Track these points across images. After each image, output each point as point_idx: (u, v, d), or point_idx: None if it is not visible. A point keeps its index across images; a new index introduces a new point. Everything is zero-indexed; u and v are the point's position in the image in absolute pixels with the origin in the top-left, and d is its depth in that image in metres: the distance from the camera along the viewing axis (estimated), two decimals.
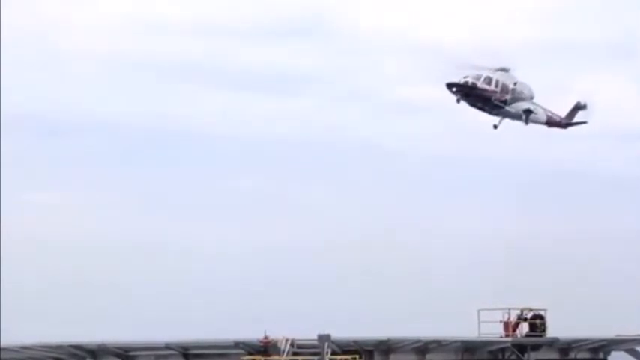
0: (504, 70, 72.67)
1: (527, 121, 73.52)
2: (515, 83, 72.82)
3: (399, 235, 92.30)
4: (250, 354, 52.57)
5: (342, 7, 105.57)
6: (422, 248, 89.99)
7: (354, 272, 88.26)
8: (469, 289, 78.70)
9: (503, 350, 58.38)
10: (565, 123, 76.21)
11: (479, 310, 59.28)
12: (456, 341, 56.88)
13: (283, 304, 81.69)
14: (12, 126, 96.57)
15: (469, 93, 71.27)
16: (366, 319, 75.07)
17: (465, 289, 79.85)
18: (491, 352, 58.34)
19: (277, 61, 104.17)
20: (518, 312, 60.37)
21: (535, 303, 60.91)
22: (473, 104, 71.79)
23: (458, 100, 71.29)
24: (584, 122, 76.28)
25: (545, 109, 75.15)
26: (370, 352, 54.31)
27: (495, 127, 73.16)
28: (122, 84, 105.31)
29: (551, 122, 75.57)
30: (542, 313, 60.61)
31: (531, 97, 73.99)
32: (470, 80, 71.26)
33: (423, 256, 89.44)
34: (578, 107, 76.14)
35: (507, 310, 59.91)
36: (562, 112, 76.30)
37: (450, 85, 70.96)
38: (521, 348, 58.31)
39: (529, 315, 60.64)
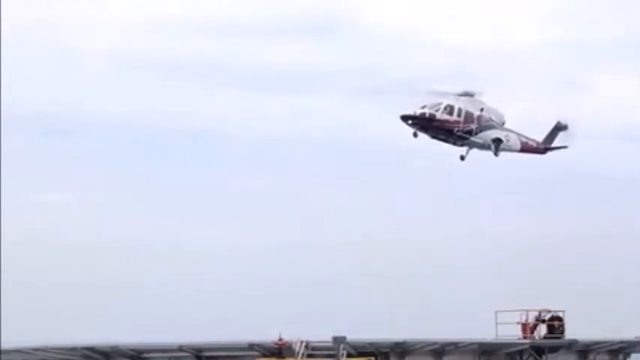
0: (469, 95, 65.98)
1: (497, 152, 67.00)
2: (481, 110, 66.27)
3: (415, 236, 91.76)
4: (265, 356, 52.36)
5: (357, 5, 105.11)
6: (439, 249, 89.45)
7: (370, 273, 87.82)
8: (486, 290, 78.11)
9: (521, 353, 57.93)
10: (544, 148, 69.50)
11: (496, 312, 58.96)
12: (472, 343, 56.58)
13: (298, 305, 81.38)
14: (19, 126, 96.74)
15: (427, 126, 64.68)
16: (382, 321, 74.57)
17: (483, 290, 79.30)
18: (508, 354, 57.97)
19: (290, 60, 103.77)
20: (537, 313, 59.98)
21: (553, 304, 60.48)
22: (434, 137, 65.44)
23: (415, 134, 64.53)
24: (565, 147, 69.49)
25: (519, 135, 68.55)
26: (386, 355, 54.13)
27: (462, 158, 66.86)
28: (132, 83, 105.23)
29: (526, 149, 68.96)
30: (560, 314, 60.20)
31: (502, 124, 67.49)
32: (427, 111, 64.51)
33: (439, 257, 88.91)
34: (559, 128, 69.29)
35: (525, 312, 59.54)
36: (541, 132, 69.53)
37: (404, 118, 64.10)
38: (539, 350, 57.93)
39: (547, 317, 60.23)
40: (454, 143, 66.06)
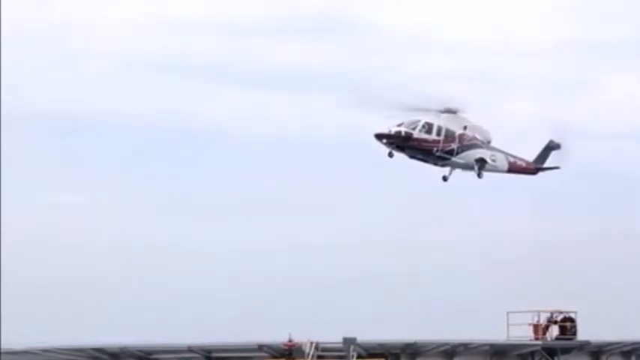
0: (451, 112, 61.41)
1: (480, 173, 62.43)
2: (464, 127, 61.70)
3: (426, 236, 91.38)
4: (274, 357, 52.24)
5: (360, 4, 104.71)
6: (450, 249, 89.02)
7: (381, 274, 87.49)
8: (498, 291, 77.75)
9: (532, 354, 57.70)
10: (535, 168, 65.12)
11: (508, 313, 58.70)
12: (484, 345, 56.36)
13: (308, 306, 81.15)
14: (25, 126, 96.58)
15: (403, 145, 60.03)
16: (393, 322, 74.27)
17: (494, 291, 78.91)
18: (520, 355, 57.74)
19: (294, 60, 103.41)
20: (548, 315, 59.73)
21: (565, 305, 60.17)
22: (412, 157, 61.03)
23: (390, 154, 59.98)
24: (557, 167, 65.33)
25: (506, 155, 64.04)
26: (396, 356, 53.98)
27: (445, 179, 62.51)
28: (137, 83, 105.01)
29: (515, 169, 64.53)
30: (572, 315, 59.97)
31: (488, 142, 63.03)
32: (403, 130, 59.85)
33: (451, 258, 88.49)
34: (551, 147, 65.16)
35: (537, 313, 59.34)
36: (532, 150, 65.05)
37: (378, 137, 59.57)
38: (551, 352, 57.72)
39: (559, 318, 59.97)
40: (434, 164, 61.81)
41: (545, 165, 65.29)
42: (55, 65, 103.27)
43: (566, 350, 58.25)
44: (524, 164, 64.92)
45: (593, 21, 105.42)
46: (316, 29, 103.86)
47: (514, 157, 64.52)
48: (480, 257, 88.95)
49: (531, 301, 60.10)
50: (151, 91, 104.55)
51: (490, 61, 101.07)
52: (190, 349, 54.15)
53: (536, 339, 58.67)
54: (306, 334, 51.70)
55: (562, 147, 65.06)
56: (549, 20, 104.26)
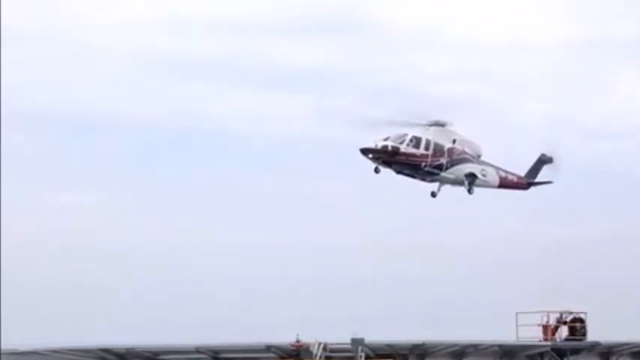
0: (440, 125, 59.40)
1: (470, 189, 60.46)
2: (454, 141, 59.82)
3: (435, 237, 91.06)
4: (282, 358, 52.15)
5: (372, 3, 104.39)
6: (459, 250, 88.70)
7: (389, 274, 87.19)
8: (507, 291, 77.40)
9: (542, 355, 57.65)
10: (527, 182, 63.48)
11: (517, 314, 58.66)
12: (493, 345, 56.21)
13: (316, 306, 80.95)
14: (34, 125, 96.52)
15: (390, 160, 57.93)
16: (401, 323, 74.01)
17: (503, 291, 78.58)
18: (529, 356, 57.64)
19: (304, 59, 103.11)
20: (558, 315, 59.49)
21: (575, 306, 59.94)
22: (399, 172, 59.01)
23: (376, 170, 57.74)
24: (549, 182, 63.68)
25: (497, 169, 62.30)
26: (405, 357, 53.92)
27: (434, 194, 60.53)
28: (146, 83, 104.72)
29: (506, 184, 62.83)
30: (582, 316, 59.78)
31: (478, 157, 61.23)
32: (390, 144, 57.76)
33: (460, 259, 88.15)
34: (543, 161, 63.60)
35: (546, 314, 59.19)
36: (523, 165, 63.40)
37: (364, 152, 57.43)
38: (560, 352, 57.58)
39: (569, 318, 59.75)
40: (422, 179, 59.78)
41: (538, 179, 63.71)
42: (60, 65, 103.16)
43: (576, 351, 58.04)
44: (515, 179, 63.30)
45: (601, 20, 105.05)
46: (325, 29, 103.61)
47: (505, 171, 62.92)
48: (489, 258, 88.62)
49: (541, 302, 59.86)
50: (155, 91, 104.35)
51: (498, 61, 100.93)
52: (198, 350, 54.15)
53: (546, 340, 58.49)
54: (314, 334, 51.75)
55: (554, 160, 63.57)
56: (558, 19, 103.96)
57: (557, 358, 57.24)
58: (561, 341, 58.75)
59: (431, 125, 59.37)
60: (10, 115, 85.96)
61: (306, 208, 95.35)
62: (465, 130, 60.76)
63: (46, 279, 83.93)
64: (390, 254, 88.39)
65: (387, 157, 57.82)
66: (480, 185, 61.30)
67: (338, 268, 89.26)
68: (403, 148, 58.15)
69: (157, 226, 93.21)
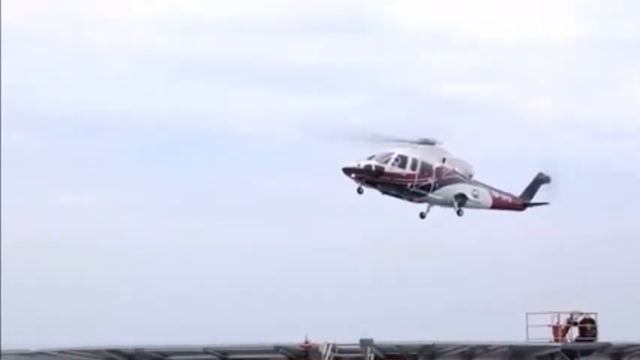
0: (429, 143, 57.19)
1: (460, 210, 58.25)
2: (443, 160, 57.63)
3: (444, 237, 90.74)
4: (291, 359, 51.86)
5: (381, 2, 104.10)
6: (469, 250, 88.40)
7: (398, 274, 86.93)
8: (517, 292, 77.05)
9: (552, 356, 57.39)
10: (522, 203, 61.25)
11: (527, 314, 58.21)
12: (503, 346, 55.99)
13: (325, 307, 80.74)
14: (34, 125, 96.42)
15: (374, 180, 55.78)
16: (410, 323, 73.72)
17: (513, 292, 78.24)
18: (540, 357, 57.46)
19: (313, 59, 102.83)
20: (568, 316, 59.22)
21: (586, 306, 59.67)
22: (385, 192, 56.91)
23: (359, 190, 55.68)
24: (546, 203, 61.30)
25: (490, 189, 59.89)
26: (414, 357, 53.82)
27: (422, 216, 58.49)
28: (148, 82, 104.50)
29: (500, 205, 60.50)
30: (593, 317, 59.43)
31: (469, 176, 58.98)
32: (374, 163, 55.58)
33: (469, 259, 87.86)
34: (540, 180, 61.36)
35: (557, 314, 58.84)
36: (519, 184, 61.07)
37: (347, 171, 55.31)
38: (571, 354, 57.30)
39: (579, 319, 59.42)
40: (410, 199, 57.51)
41: (534, 200, 61.51)
42: (61, 65, 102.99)
43: (587, 352, 57.74)
44: (510, 199, 60.97)
45: (613, 19, 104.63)
46: (333, 27, 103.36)
47: (499, 191, 60.58)
48: (499, 258, 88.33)
49: (551, 303, 59.54)
50: (156, 91, 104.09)
51: (509, 60, 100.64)
52: (206, 351, 54.11)
53: (556, 341, 58.21)
54: (323, 335, 51.63)
55: (551, 180, 61.39)
56: (570, 19, 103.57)
57: (567, 359, 56.95)
58: (572, 342, 58.42)
59: (420, 143, 57.33)
60: (10, 115, 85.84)
61: (314, 208, 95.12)
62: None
63: (46, 279, 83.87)
64: (399, 255, 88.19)
65: (370, 177, 55.66)
66: (471, 206, 59.09)
67: (347, 268, 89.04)
68: (388, 168, 55.98)
69: (158, 226, 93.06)
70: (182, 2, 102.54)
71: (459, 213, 58.69)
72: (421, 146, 57.38)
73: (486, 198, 59.85)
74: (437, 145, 57.63)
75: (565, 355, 56.96)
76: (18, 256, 79.15)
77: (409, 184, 56.60)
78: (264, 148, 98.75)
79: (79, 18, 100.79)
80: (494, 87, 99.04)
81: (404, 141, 56.54)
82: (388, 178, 56.04)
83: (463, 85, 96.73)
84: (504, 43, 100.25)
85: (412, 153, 57.09)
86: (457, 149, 58.59)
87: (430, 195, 57.54)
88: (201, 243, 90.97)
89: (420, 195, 57.39)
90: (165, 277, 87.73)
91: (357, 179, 55.63)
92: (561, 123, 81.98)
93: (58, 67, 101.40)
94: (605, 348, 58.29)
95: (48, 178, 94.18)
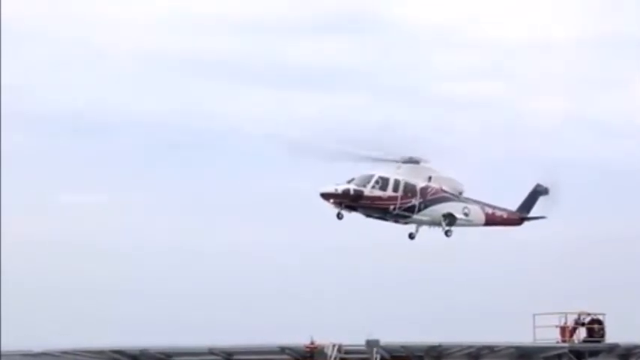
0: (414, 162, 55.48)
1: (449, 231, 56.36)
2: (429, 178, 55.81)
3: (449, 238, 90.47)
4: None
5: (387, 2, 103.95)
6: (475, 251, 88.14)
7: (403, 275, 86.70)
8: (524, 292, 76.82)
9: (559, 357, 57.07)
10: (519, 218, 59.59)
11: (534, 315, 58.01)
12: (510, 347, 55.73)
13: (330, 307, 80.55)
14: (34, 125, 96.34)
15: (354, 205, 53.92)
16: (416, 324, 73.46)
17: (520, 292, 78.00)
18: (547, 358, 57.21)
19: (320, 58, 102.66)
20: (576, 316, 58.95)
21: (593, 307, 59.46)
22: (368, 215, 55.18)
23: (339, 216, 53.91)
24: (543, 217, 59.97)
25: (483, 205, 57.91)
26: (420, 358, 53.60)
27: (412, 236, 56.90)
28: (154, 82, 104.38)
29: (494, 221, 58.66)
30: (600, 317, 59.18)
31: (459, 194, 57.06)
32: (352, 187, 53.71)
33: (476, 259, 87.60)
34: (539, 192, 59.89)
35: (564, 315, 58.55)
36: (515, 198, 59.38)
37: (325, 196, 53.48)
38: (578, 354, 57.02)
39: (587, 320, 59.15)
40: (396, 222, 55.75)
41: (532, 213, 60.33)
42: (62, 64, 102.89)
43: (594, 353, 57.48)
44: (505, 214, 59.19)
45: (614, 19, 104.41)
46: (333, 27, 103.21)
47: (492, 207, 58.64)
48: (505, 259, 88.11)
49: (558, 303, 59.31)
50: (162, 90, 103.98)
51: (510, 60, 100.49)
52: (211, 352, 53.88)
53: (564, 341, 57.97)
54: (329, 336, 51.35)
55: (550, 192, 60.19)
56: (571, 18, 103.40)
57: None
58: (579, 343, 58.14)
59: (404, 162, 55.68)
60: (10, 115, 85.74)
61: (320, 208, 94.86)
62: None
63: (47, 279, 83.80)
64: (405, 256, 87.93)
65: (349, 202, 53.89)
66: (462, 225, 57.36)
67: (353, 269, 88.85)
68: (367, 192, 54.11)
69: (162, 226, 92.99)
70: (182, 2, 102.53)
71: (447, 234, 57.20)
72: (405, 165, 55.77)
73: (479, 215, 58.06)
74: (422, 164, 56.00)
75: (572, 356, 56.68)
76: (18, 256, 79.10)
77: (391, 207, 54.78)
78: (265, 148, 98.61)
79: (79, 18, 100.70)
80: (495, 87, 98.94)
81: (387, 160, 55.06)
82: (368, 202, 54.33)
83: (464, 85, 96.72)
84: (506, 43, 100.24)
85: (395, 174, 55.42)
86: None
87: (415, 216, 55.77)
88: (205, 243, 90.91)
89: (404, 217, 55.65)
90: (168, 277, 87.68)
91: (336, 204, 53.88)
92: (563, 122, 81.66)
93: (58, 66, 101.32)
94: (613, 349, 58.00)
95: (48, 178, 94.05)
